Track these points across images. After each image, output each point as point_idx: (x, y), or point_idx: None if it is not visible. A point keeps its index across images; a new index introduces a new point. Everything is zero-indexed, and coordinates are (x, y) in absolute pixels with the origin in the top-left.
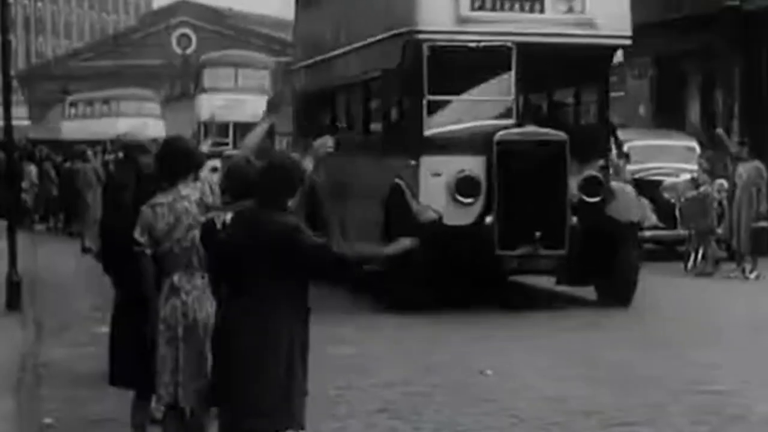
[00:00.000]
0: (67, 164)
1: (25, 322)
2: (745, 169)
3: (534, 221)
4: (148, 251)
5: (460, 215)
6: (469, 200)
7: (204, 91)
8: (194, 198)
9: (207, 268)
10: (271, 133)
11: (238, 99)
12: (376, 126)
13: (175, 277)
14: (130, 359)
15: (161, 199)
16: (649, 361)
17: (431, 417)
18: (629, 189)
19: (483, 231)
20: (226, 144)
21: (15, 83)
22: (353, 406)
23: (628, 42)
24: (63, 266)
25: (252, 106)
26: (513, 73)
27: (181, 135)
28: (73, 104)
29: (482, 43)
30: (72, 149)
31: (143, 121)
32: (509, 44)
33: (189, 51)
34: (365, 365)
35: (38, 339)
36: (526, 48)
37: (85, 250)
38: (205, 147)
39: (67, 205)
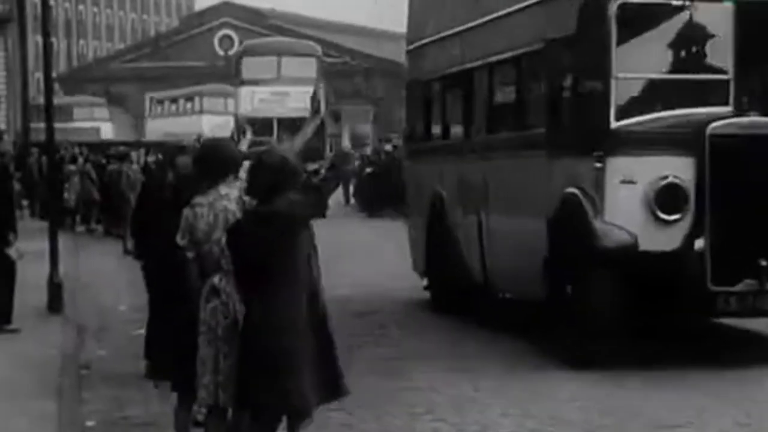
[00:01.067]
0: (111, 166)
1: (66, 324)
2: None
3: (762, 246)
4: (191, 254)
5: (662, 238)
6: (674, 217)
7: (243, 83)
8: (234, 196)
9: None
10: (319, 132)
11: (282, 91)
12: (535, 118)
13: (215, 279)
14: (168, 359)
15: (201, 199)
16: None
17: None
18: None
19: (691, 259)
20: (269, 143)
21: (57, 86)
22: None
23: None
24: (104, 268)
25: (297, 99)
26: (731, 41)
27: (220, 137)
28: (157, 102)
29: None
30: (115, 151)
31: (226, 119)
32: (728, 1)
33: (231, 52)
34: None
35: (79, 341)
36: (750, 6)
37: (127, 251)
38: (243, 147)
39: (108, 206)
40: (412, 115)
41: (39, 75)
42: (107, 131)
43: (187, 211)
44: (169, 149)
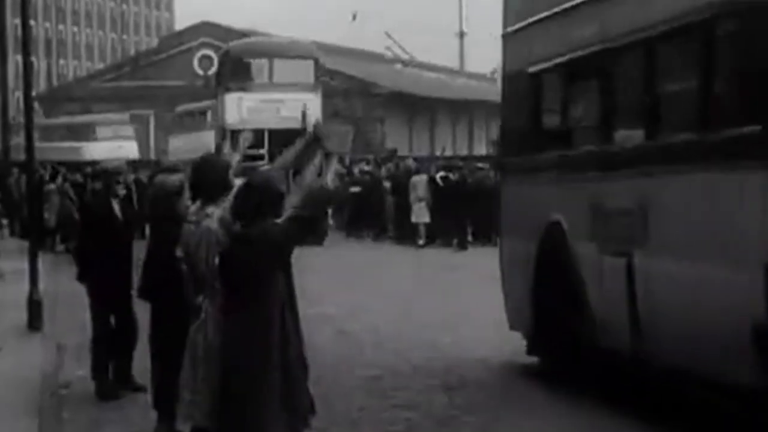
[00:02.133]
0: (92, 185)
1: (46, 343)
2: None
3: None
4: (185, 267)
5: None
6: None
7: (228, 89)
8: (217, 215)
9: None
10: (309, 147)
11: (274, 99)
12: (740, 110)
13: (201, 298)
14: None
15: (193, 216)
16: None
17: None
18: None
19: None
20: (261, 158)
21: (36, 105)
22: None
23: None
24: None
25: (292, 108)
26: None
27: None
28: (180, 116)
29: None
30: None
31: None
32: None
33: (211, 72)
34: None
35: (59, 360)
36: None
37: None
38: (232, 162)
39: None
40: (513, 117)
41: (19, 94)
42: (132, 150)
43: (186, 226)
44: (155, 168)
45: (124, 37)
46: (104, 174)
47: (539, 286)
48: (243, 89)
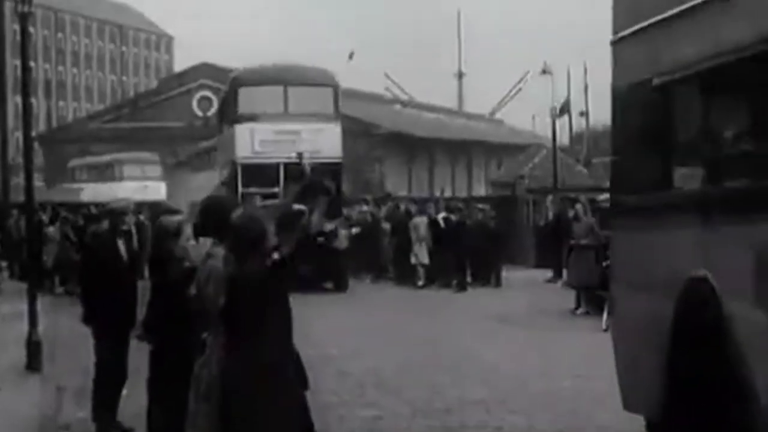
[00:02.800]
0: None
1: (45, 384)
2: None
3: None
4: (196, 305)
5: None
6: None
7: (239, 120)
8: (221, 255)
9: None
10: (309, 189)
11: (290, 130)
12: None
13: (206, 334)
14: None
15: (204, 256)
16: None
17: None
18: None
19: None
20: (274, 195)
21: (36, 146)
22: None
23: None
24: (83, 329)
25: (310, 140)
26: None
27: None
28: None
29: None
30: (93, 211)
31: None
32: None
33: (210, 113)
34: None
35: (58, 401)
36: None
37: None
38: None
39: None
40: (630, 143)
41: (18, 135)
42: (159, 191)
43: (200, 266)
44: (157, 209)
45: (124, 78)
46: (110, 214)
47: (677, 361)
48: (255, 119)
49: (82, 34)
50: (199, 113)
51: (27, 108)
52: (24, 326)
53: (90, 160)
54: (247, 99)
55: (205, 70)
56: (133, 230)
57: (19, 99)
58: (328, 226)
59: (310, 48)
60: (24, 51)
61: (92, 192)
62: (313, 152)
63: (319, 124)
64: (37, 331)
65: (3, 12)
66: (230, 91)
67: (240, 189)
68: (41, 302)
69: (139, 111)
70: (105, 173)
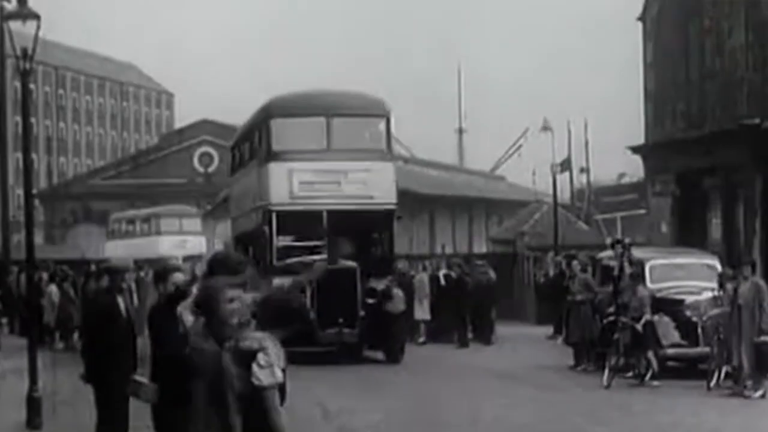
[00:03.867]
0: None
1: None
2: (746, 287)
3: None
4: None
5: None
6: None
7: (273, 157)
8: None
9: None
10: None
11: (335, 169)
12: None
13: None
14: None
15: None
16: None
17: None
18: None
19: None
20: (317, 249)
21: (36, 202)
22: None
23: None
24: (83, 385)
25: (358, 181)
26: None
27: (226, 250)
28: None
29: None
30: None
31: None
32: None
33: (211, 169)
34: None
35: None
36: None
37: None
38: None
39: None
40: None
41: (19, 191)
42: (199, 246)
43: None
44: (163, 267)
45: (125, 134)
46: (110, 272)
47: None
48: (293, 157)
49: (83, 91)
50: (200, 169)
51: (28, 164)
52: (24, 383)
53: (130, 213)
54: (283, 133)
55: (205, 126)
56: (133, 287)
57: (19, 155)
58: (380, 285)
59: None
60: (25, 107)
61: (133, 248)
62: (362, 197)
63: (370, 162)
64: (37, 387)
65: (4, 69)
66: (260, 123)
67: (275, 242)
68: (41, 358)
69: (140, 167)
70: (143, 228)
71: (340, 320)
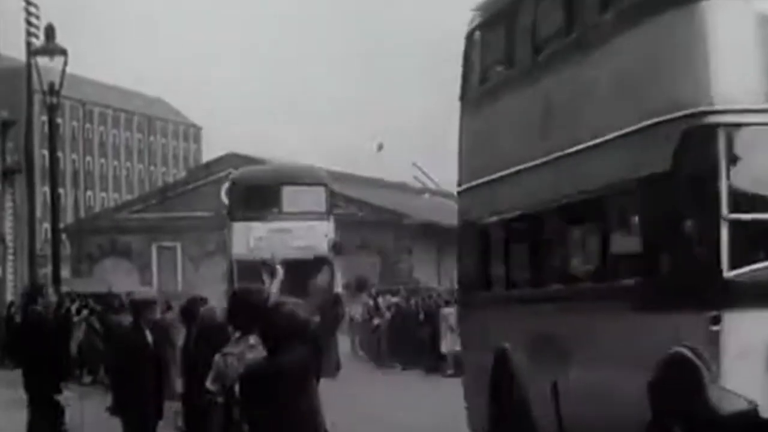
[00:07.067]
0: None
1: None
2: None
3: None
4: (220, 399)
5: None
6: None
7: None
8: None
9: None
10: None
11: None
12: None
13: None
14: None
15: (232, 348)
16: None
17: None
18: None
19: None
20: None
21: (63, 236)
22: None
23: None
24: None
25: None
26: None
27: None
28: None
29: None
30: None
31: None
32: None
33: None
34: None
35: None
36: None
37: None
38: (274, 289)
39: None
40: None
41: (46, 225)
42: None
43: (218, 358)
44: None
45: (152, 168)
46: (134, 305)
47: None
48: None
49: (110, 125)
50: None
51: (54, 198)
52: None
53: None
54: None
55: (232, 159)
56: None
57: (47, 189)
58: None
59: (338, 145)
60: (52, 141)
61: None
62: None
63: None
64: (64, 421)
65: (32, 103)
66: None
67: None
68: (68, 391)
69: (167, 201)
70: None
71: None
